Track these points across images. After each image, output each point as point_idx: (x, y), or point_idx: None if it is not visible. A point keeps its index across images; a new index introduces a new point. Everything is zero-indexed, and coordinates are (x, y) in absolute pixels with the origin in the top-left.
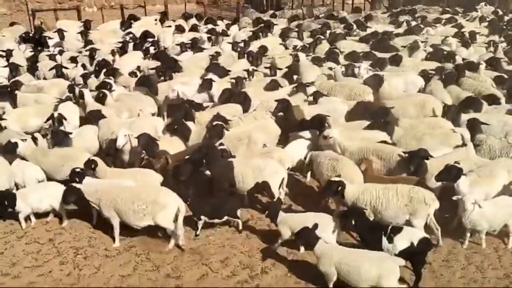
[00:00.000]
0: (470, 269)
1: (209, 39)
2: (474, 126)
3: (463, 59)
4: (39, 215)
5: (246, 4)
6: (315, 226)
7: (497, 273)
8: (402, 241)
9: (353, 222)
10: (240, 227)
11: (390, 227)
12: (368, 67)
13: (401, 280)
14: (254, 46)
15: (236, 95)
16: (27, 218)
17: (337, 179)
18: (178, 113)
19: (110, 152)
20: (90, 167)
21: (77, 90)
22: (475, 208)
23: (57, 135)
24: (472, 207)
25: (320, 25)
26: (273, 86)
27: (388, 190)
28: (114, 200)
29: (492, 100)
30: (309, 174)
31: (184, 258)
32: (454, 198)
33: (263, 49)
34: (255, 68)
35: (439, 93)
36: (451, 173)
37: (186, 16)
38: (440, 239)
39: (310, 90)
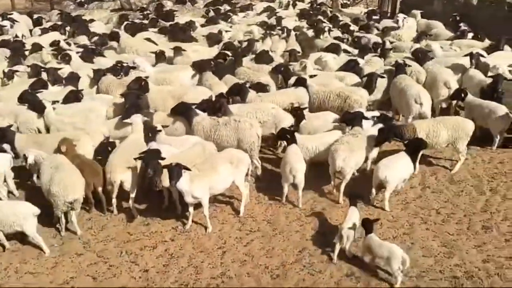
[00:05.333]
0: (189, 270)
1: None
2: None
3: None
4: None
5: None
6: None
7: (212, 272)
8: None
9: None
10: None
11: None
12: (142, 60)
13: None
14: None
15: None
16: None
17: None
18: None
19: None
20: None
21: None
22: None
23: None
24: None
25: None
26: (41, 85)
27: None
28: None
29: (261, 87)
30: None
31: None
32: None
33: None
34: (14, 69)
35: (215, 86)
36: (173, 174)
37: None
38: None
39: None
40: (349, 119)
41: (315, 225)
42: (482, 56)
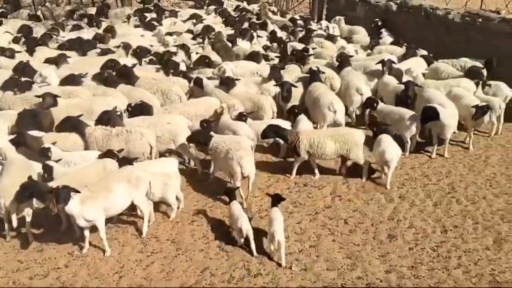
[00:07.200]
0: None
1: None
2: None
3: None
4: None
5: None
6: None
7: None
8: None
9: None
10: None
11: None
12: (50, 72)
13: None
14: None
15: None
16: None
17: None
18: None
19: None
20: None
21: None
22: None
23: None
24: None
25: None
26: None
27: None
28: None
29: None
30: None
31: None
32: None
33: None
34: None
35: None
36: (59, 198)
37: None
38: None
39: None
40: (199, 139)
41: (220, 242)
42: (394, 62)
